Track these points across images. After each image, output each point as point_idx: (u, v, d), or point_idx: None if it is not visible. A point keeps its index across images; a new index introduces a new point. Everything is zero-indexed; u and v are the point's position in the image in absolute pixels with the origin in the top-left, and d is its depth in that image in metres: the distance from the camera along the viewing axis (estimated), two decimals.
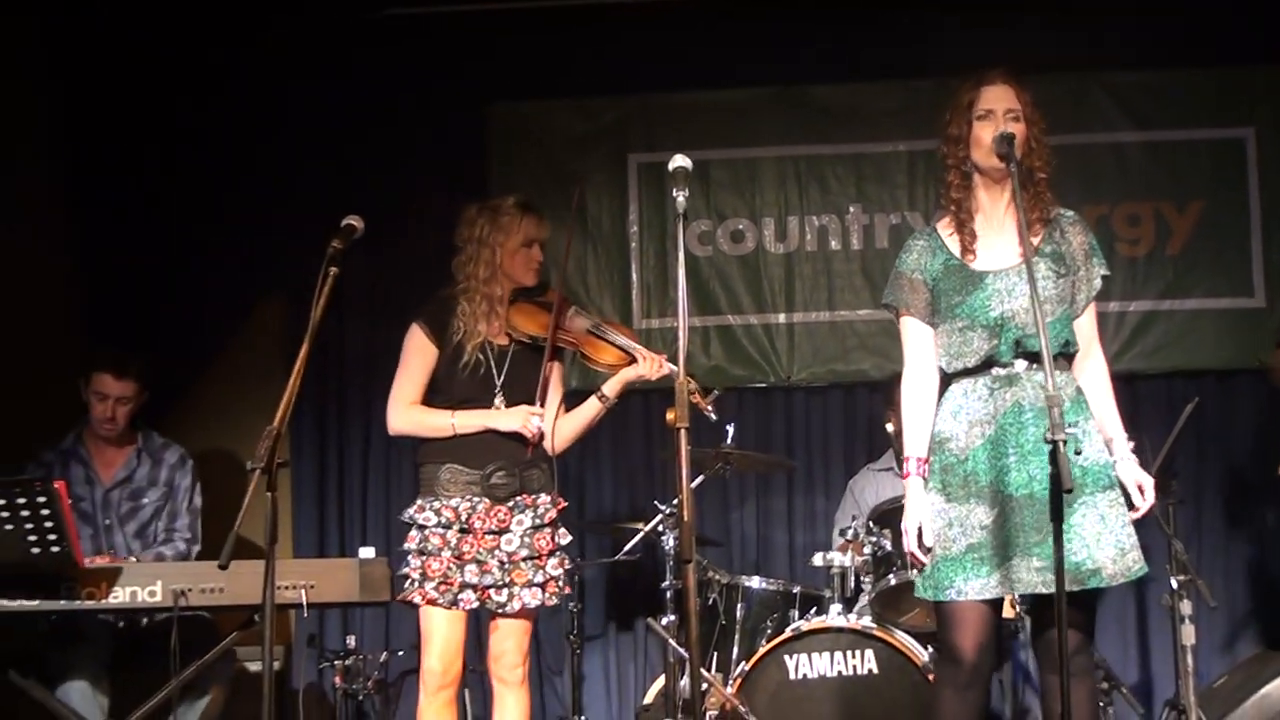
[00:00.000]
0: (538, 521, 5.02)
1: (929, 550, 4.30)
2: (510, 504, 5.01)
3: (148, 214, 7.30)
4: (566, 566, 5.12)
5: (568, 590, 5.20)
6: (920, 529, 4.32)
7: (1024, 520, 4.19)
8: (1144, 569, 4.27)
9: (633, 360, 5.09)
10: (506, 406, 5.04)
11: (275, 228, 7.29)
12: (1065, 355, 4.35)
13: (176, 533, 6.02)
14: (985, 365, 4.31)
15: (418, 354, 5.12)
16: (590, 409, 5.18)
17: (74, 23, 7.11)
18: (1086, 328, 4.44)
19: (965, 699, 4.34)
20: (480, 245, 5.10)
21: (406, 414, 5.11)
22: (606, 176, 7.47)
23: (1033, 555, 4.18)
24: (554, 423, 5.09)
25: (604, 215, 7.46)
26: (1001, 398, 4.27)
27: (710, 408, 5.11)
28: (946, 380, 4.42)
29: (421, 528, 5.00)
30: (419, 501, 5.06)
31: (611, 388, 5.13)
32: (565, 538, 5.13)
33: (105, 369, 5.88)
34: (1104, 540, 4.20)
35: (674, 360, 4.47)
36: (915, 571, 4.42)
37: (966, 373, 4.34)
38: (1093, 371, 4.44)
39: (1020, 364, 4.29)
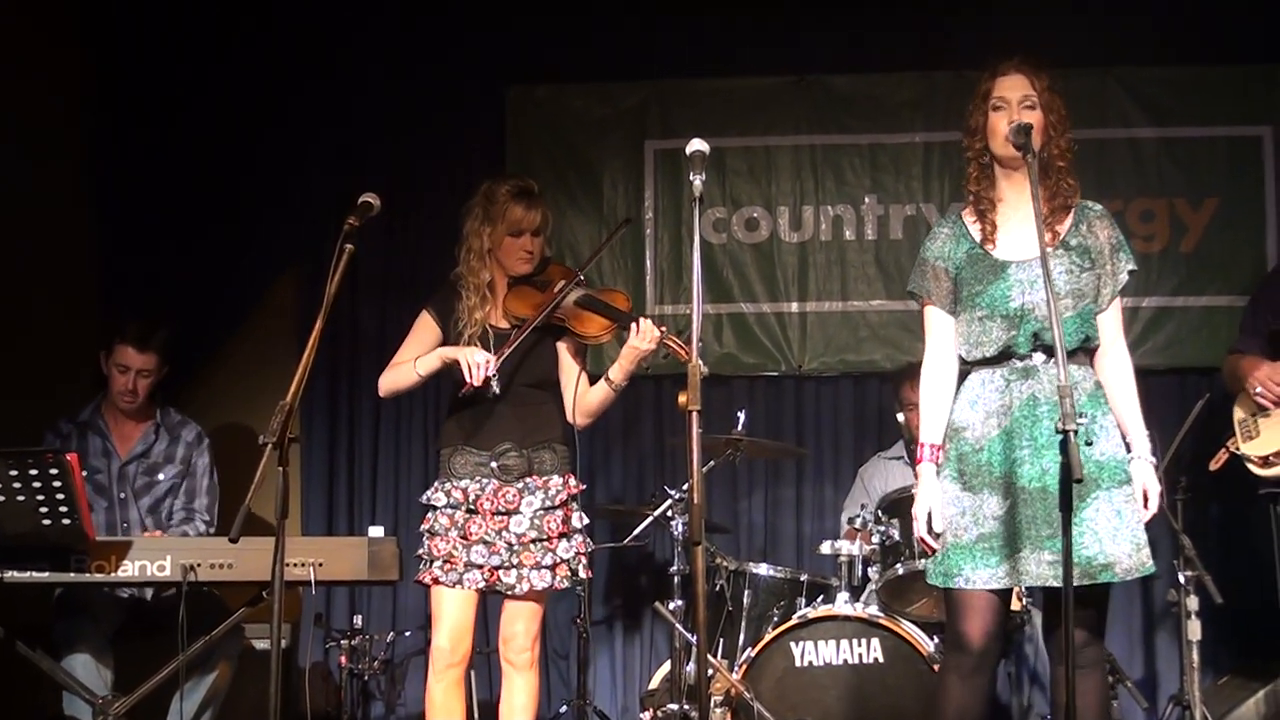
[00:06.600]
0: (548, 503, 5.02)
1: (939, 536, 4.30)
2: (519, 485, 5.02)
3: (163, 193, 7.30)
4: (584, 549, 5.12)
5: (589, 574, 5.23)
6: (930, 515, 4.32)
7: (1036, 513, 4.18)
8: (1153, 567, 4.27)
9: (620, 327, 5.05)
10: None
11: (291, 205, 7.32)
12: (1085, 350, 4.33)
13: (197, 514, 6.00)
14: (1003, 356, 4.30)
15: (420, 330, 5.17)
16: (599, 392, 5.13)
17: None
18: (1110, 323, 4.41)
19: (971, 685, 4.35)
20: (471, 234, 5.11)
21: (385, 374, 5.16)
22: (623, 162, 7.47)
23: (1044, 549, 4.16)
24: (574, 397, 5.11)
25: (619, 201, 7.44)
26: (1018, 389, 4.26)
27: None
28: (966, 369, 4.41)
29: (433, 509, 5.04)
30: (435, 484, 5.09)
31: (616, 373, 5.06)
32: (582, 520, 5.13)
33: (128, 341, 5.83)
34: (1120, 536, 4.19)
35: (687, 345, 4.43)
36: (923, 560, 4.41)
37: (985, 362, 4.33)
38: (1114, 368, 4.41)
39: (1038, 357, 4.28)
